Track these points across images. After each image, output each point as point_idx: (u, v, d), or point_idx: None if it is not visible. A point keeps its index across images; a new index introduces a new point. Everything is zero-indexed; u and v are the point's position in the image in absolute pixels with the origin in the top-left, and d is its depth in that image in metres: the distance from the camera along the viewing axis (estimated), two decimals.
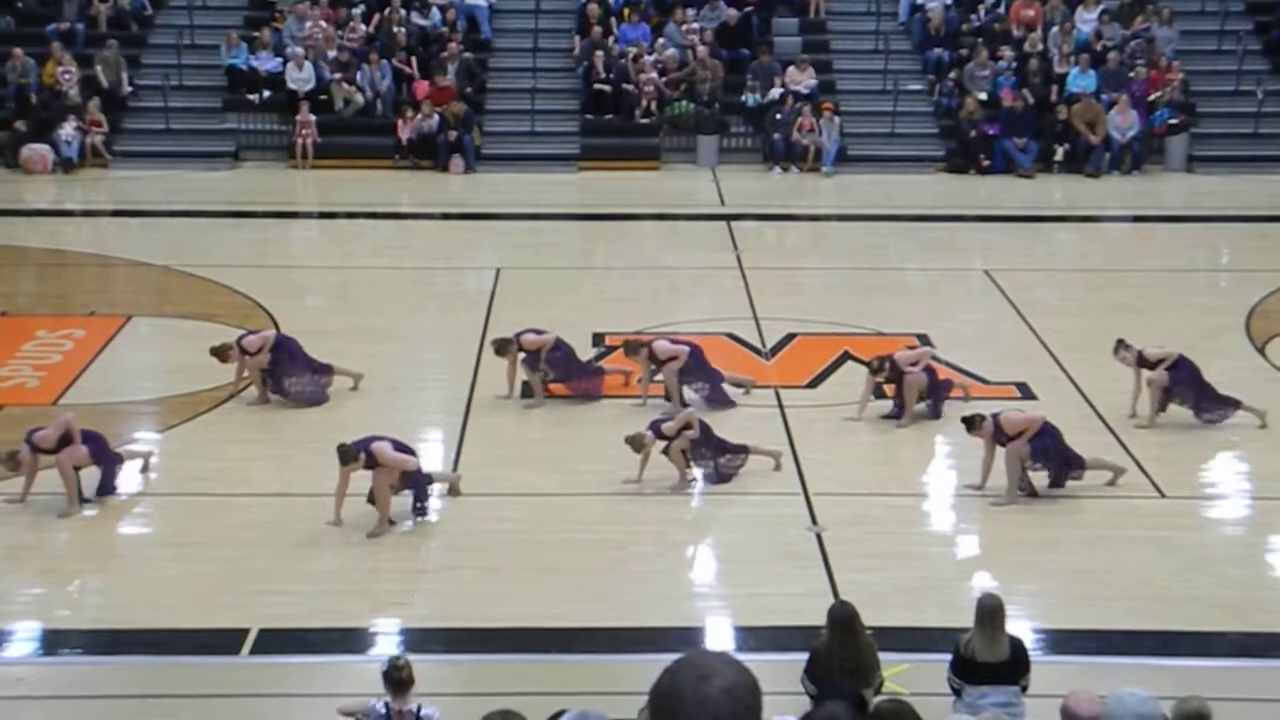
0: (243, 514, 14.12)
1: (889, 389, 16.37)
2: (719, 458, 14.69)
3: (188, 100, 29.58)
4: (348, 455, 13.63)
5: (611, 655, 11.59)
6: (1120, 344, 16.32)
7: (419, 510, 13.88)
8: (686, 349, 16.48)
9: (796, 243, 26.19)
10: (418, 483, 13.85)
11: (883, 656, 9.95)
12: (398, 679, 9.31)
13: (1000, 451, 14.38)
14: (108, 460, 14.26)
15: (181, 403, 16.80)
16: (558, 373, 16.69)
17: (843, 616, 9.66)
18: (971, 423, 14.53)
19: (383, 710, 9.24)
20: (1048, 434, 14.40)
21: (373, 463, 13.64)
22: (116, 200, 27.15)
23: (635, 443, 14.42)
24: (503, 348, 16.50)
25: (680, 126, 29.51)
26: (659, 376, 16.48)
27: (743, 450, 14.82)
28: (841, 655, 9.43)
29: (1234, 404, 16.21)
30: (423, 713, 9.26)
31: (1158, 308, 20.64)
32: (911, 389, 16.10)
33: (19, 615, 12.65)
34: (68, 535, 13.75)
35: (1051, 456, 14.41)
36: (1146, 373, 16.11)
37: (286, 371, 16.58)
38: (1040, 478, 14.51)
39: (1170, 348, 16.26)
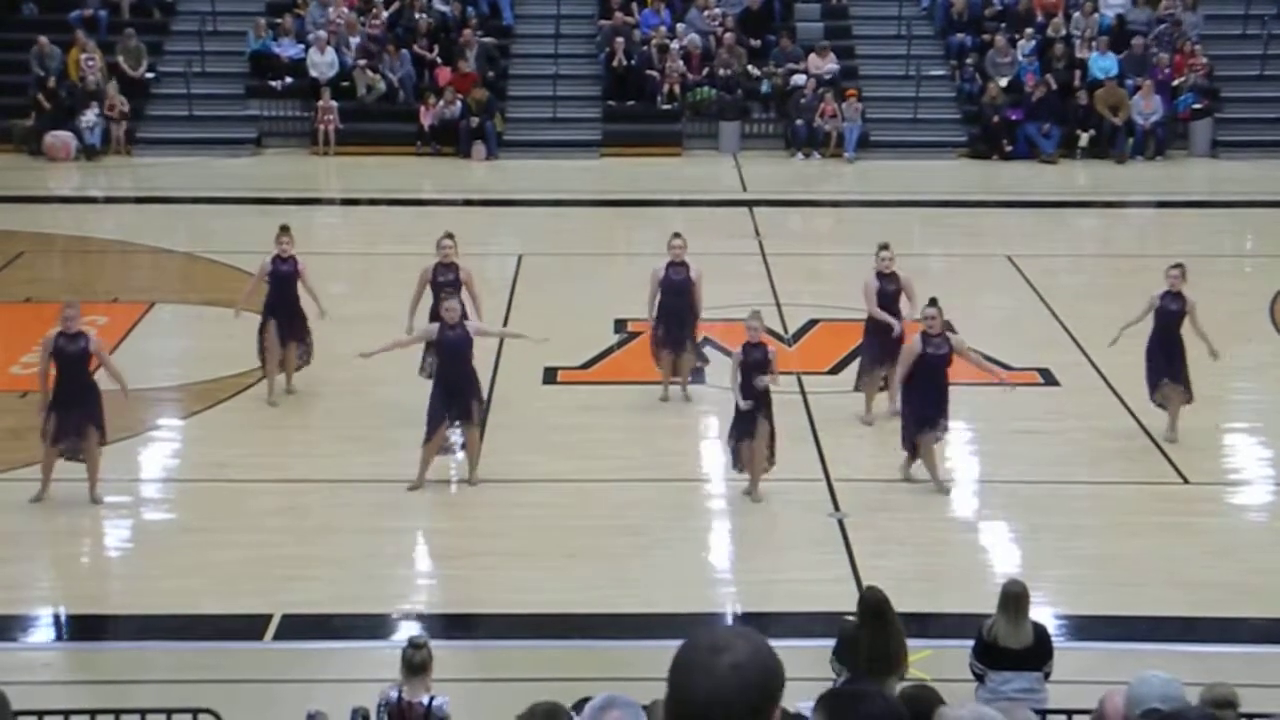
0: (266, 500, 14.18)
1: None
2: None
3: (210, 87, 29.61)
4: None
5: (634, 641, 11.60)
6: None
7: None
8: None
9: (818, 228, 26.13)
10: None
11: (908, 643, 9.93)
12: (413, 661, 8.99)
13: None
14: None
15: (204, 389, 16.85)
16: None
17: (874, 604, 9.57)
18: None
19: (394, 697, 9.02)
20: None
21: None
22: (139, 187, 27.21)
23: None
24: None
25: (702, 112, 29.47)
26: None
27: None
28: (871, 644, 9.37)
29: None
30: (434, 704, 8.99)
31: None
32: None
33: (44, 601, 12.74)
34: (92, 521, 13.79)
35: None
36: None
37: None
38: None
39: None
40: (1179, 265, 15.29)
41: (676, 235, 16.09)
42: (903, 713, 3.72)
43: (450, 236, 16.18)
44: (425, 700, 8.99)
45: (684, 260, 15.97)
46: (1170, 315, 15.17)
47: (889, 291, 15.66)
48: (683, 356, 16.28)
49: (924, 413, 14.12)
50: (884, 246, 15.88)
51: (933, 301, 14.29)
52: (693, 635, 3.31)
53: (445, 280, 15.71)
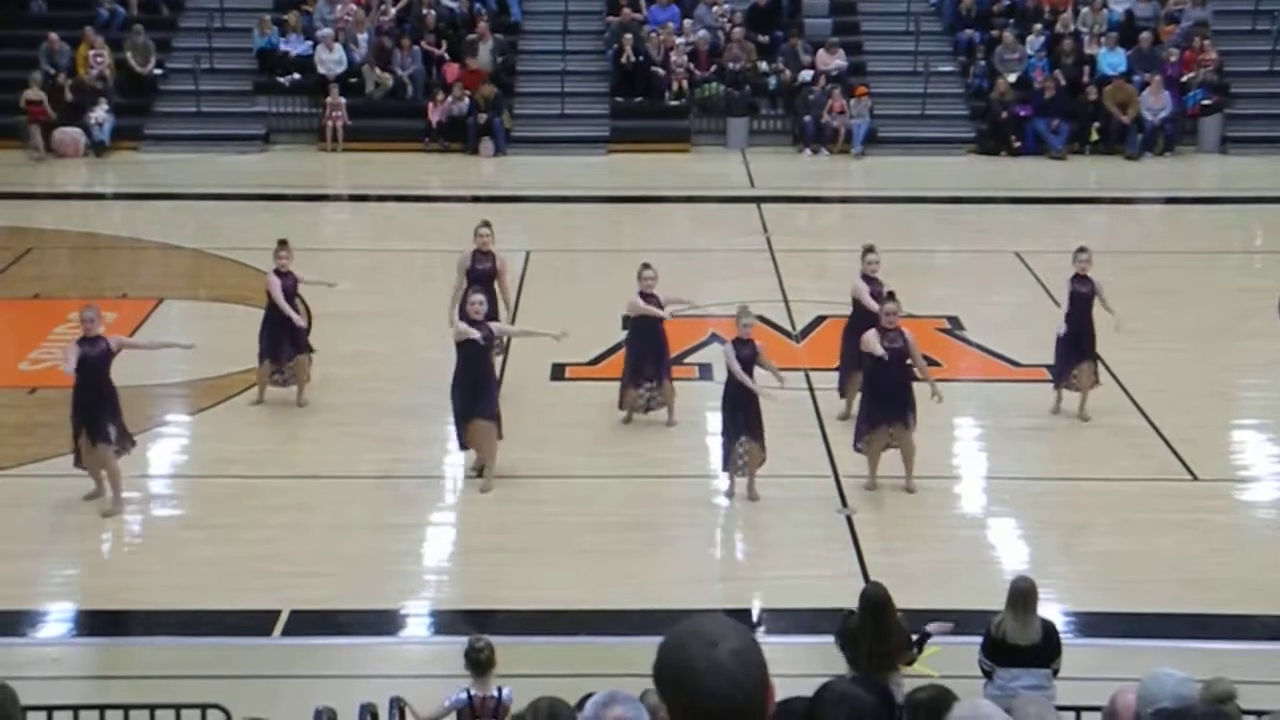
0: (274, 496, 14.18)
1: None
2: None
3: (218, 83, 29.62)
4: None
5: (641, 637, 11.58)
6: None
7: None
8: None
9: (826, 225, 26.10)
10: None
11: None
12: (478, 660, 9.33)
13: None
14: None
15: (213, 385, 16.85)
16: None
17: (875, 599, 9.58)
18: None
19: (465, 698, 9.30)
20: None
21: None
22: (148, 183, 27.21)
23: None
24: None
25: (710, 108, 29.43)
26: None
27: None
28: (872, 640, 9.38)
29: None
30: (504, 693, 9.33)
31: (1190, 290, 20.52)
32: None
33: (53, 596, 12.75)
34: (100, 517, 13.78)
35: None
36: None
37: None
38: None
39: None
40: (1084, 249, 15.78)
41: (646, 266, 15.51)
42: (873, 709, 3.76)
43: (487, 225, 16.44)
44: (495, 693, 9.34)
45: (654, 291, 15.54)
46: (1081, 298, 15.62)
47: (875, 294, 15.59)
48: (644, 390, 15.69)
49: (876, 411, 14.05)
50: (869, 249, 15.90)
51: (891, 296, 14.27)
52: (675, 636, 3.36)
53: (483, 268, 15.94)
